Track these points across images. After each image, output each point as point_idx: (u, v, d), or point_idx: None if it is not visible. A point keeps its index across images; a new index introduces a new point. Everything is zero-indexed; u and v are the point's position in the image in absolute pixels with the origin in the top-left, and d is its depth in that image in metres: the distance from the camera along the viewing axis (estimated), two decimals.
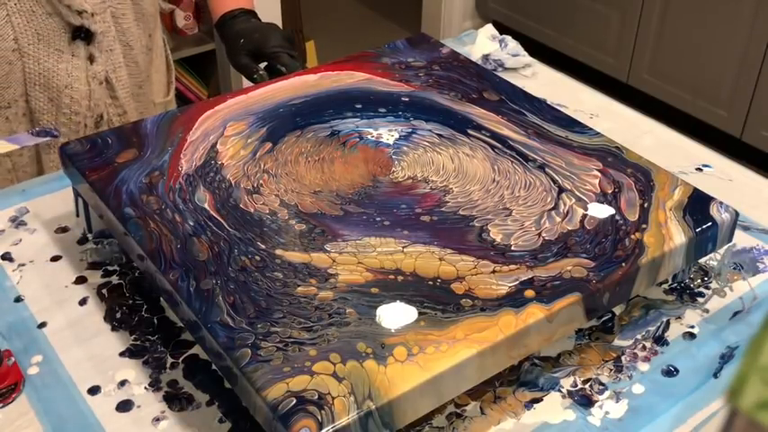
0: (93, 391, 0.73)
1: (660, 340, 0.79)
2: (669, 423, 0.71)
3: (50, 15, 1.02)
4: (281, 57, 1.09)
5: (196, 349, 0.77)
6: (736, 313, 0.83)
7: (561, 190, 0.81)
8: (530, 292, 0.69)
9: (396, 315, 0.67)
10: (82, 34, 1.04)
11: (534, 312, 0.67)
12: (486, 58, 1.23)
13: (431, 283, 0.70)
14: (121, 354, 0.77)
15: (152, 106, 1.20)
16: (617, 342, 0.79)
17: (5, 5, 0.99)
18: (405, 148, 0.88)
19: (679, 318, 0.82)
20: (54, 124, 1.09)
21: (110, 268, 0.87)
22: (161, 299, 0.82)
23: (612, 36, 2.75)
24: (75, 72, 1.06)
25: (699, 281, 0.87)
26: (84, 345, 0.77)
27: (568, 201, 0.80)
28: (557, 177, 0.83)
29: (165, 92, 1.26)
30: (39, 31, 1.02)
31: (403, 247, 0.74)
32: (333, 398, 0.60)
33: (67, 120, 1.09)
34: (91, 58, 1.07)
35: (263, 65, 1.11)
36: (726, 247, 0.86)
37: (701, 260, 0.87)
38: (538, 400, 0.73)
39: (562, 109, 1.01)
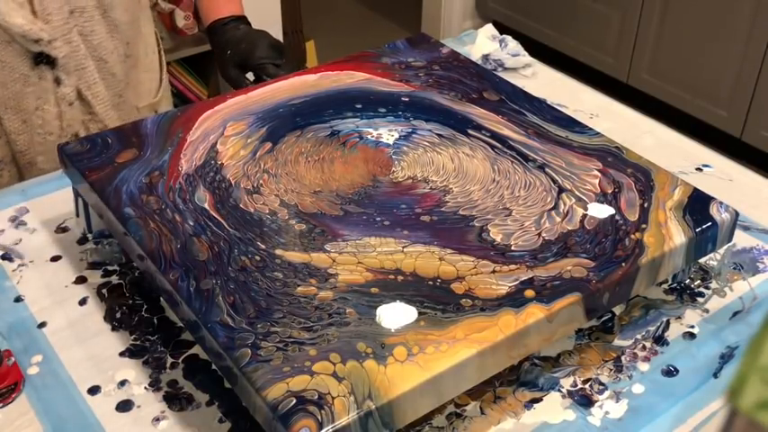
0: (93, 391, 0.73)
1: (660, 340, 0.79)
2: (669, 423, 0.71)
3: (9, 43, 1.00)
4: (266, 68, 1.09)
5: (196, 349, 0.77)
6: (736, 313, 0.83)
7: (561, 190, 0.81)
8: (530, 292, 0.69)
9: (396, 315, 0.67)
10: (44, 59, 1.02)
11: (534, 312, 0.67)
12: (486, 58, 1.23)
13: (431, 283, 0.70)
14: (121, 354, 0.77)
15: (135, 112, 1.17)
16: (617, 342, 0.79)
17: None
18: (405, 148, 0.88)
19: (679, 318, 0.82)
20: (30, 144, 1.07)
21: (110, 268, 0.87)
22: (161, 299, 0.82)
23: (612, 36, 2.75)
24: (44, 95, 1.05)
25: (699, 281, 0.87)
26: (84, 345, 0.77)
27: (568, 201, 0.80)
28: (557, 177, 0.83)
29: (155, 93, 1.23)
30: (1, 59, 1.00)
31: (403, 247, 0.74)
32: (333, 398, 0.60)
33: (42, 140, 1.08)
34: (57, 81, 1.05)
35: (251, 75, 1.11)
36: (726, 247, 0.86)
37: (701, 260, 0.87)
38: (538, 400, 0.73)
39: (562, 109, 1.01)
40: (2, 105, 1.04)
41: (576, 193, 0.81)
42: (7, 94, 1.03)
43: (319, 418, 0.59)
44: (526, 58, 1.24)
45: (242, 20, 1.18)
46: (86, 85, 1.08)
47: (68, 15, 1.03)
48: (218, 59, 1.16)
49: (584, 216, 0.78)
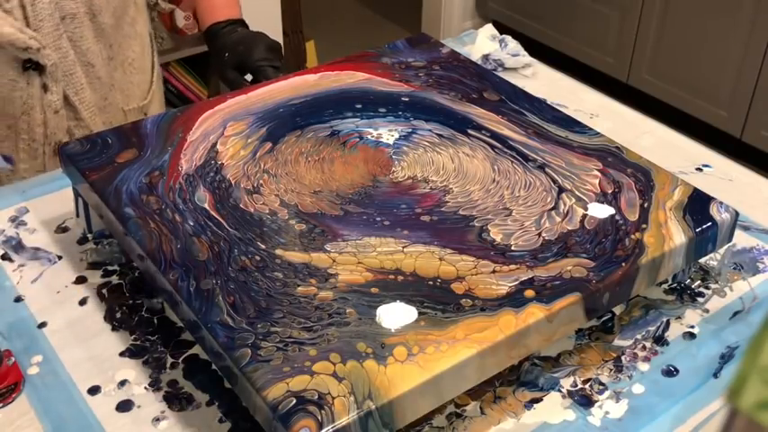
0: (93, 391, 0.73)
1: (660, 340, 0.79)
2: (669, 423, 0.71)
3: None
4: (264, 70, 1.09)
5: (196, 349, 0.77)
6: (736, 313, 0.83)
7: (561, 190, 0.81)
8: (530, 292, 0.69)
9: (396, 315, 0.67)
10: (32, 65, 1.02)
11: (534, 312, 0.67)
12: (486, 58, 1.23)
13: (431, 283, 0.70)
14: (121, 354, 0.77)
15: (121, 114, 1.16)
16: (617, 342, 0.79)
17: None
18: (405, 148, 0.88)
19: (679, 318, 0.82)
20: (15, 150, 1.07)
21: (110, 268, 0.87)
22: (159, 298, 0.82)
23: (612, 36, 2.75)
24: (30, 100, 1.04)
25: (699, 281, 0.87)
26: (84, 345, 0.77)
27: (568, 201, 0.80)
28: (557, 177, 0.83)
29: (145, 94, 1.21)
30: None
31: (403, 247, 0.74)
32: (333, 398, 0.60)
33: (27, 146, 1.07)
34: (45, 88, 1.04)
35: (249, 77, 1.11)
36: (726, 247, 0.86)
37: (701, 260, 0.87)
38: (538, 400, 0.73)
39: (562, 109, 1.01)
40: None
41: (576, 193, 0.81)
42: None
43: (319, 418, 0.59)
44: (526, 58, 1.24)
45: (239, 23, 1.18)
46: (74, 91, 1.07)
47: (60, 22, 1.02)
48: (215, 63, 1.16)
49: (585, 216, 0.78)
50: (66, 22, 1.04)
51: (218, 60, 1.15)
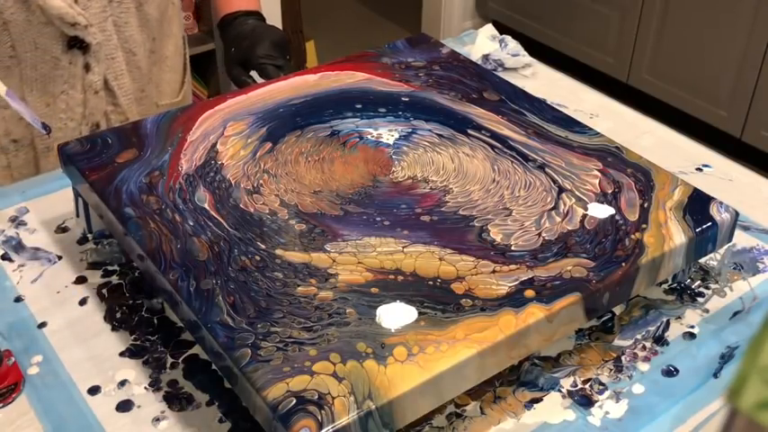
0: (93, 391, 0.73)
1: (660, 340, 0.79)
2: (669, 423, 0.71)
3: (45, 25, 1.01)
4: (265, 68, 1.09)
5: (196, 349, 0.77)
6: (736, 313, 0.83)
7: (561, 190, 0.81)
8: (530, 292, 0.69)
9: (396, 315, 0.67)
10: (77, 44, 1.03)
11: (534, 312, 0.67)
12: (486, 58, 1.23)
13: (431, 283, 0.70)
14: (121, 354, 0.77)
15: (155, 108, 1.19)
16: (617, 342, 0.79)
17: (1, 15, 0.99)
18: (405, 148, 0.88)
19: (679, 318, 0.82)
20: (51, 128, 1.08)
21: (110, 268, 0.87)
22: (156, 299, 0.82)
23: (612, 36, 2.75)
24: (72, 80, 1.06)
25: (699, 281, 0.87)
26: (84, 345, 0.77)
27: (568, 201, 0.80)
28: (557, 177, 0.83)
29: (177, 93, 1.24)
30: (35, 40, 1.01)
31: (403, 247, 0.74)
32: (333, 398, 0.60)
33: (63, 125, 1.08)
34: (87, 67, 1.06)
35: (254, 73, 1.11)
36: (726, 247, 0.86)
37: (701, 260, 0.87)
38: (538, 400, 0.73)
39: (562, 109, 1.01)
40: (28, 86, 1.05)
41: (576, 193, 0.81)
42: (35, 75, 1.04)
43: (319, 418, 0.59)
44: (526, 58, 1.24)
45: (253, 15, 1.17)
46: (113, 76, 1.09)
47: (107, 4, 1.05)
48: (224, 57, 1.16)
49: (584, 216, 0.78)
50: (113, 5, 1.06)
51: (225, 55, 1.14)
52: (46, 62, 1.04)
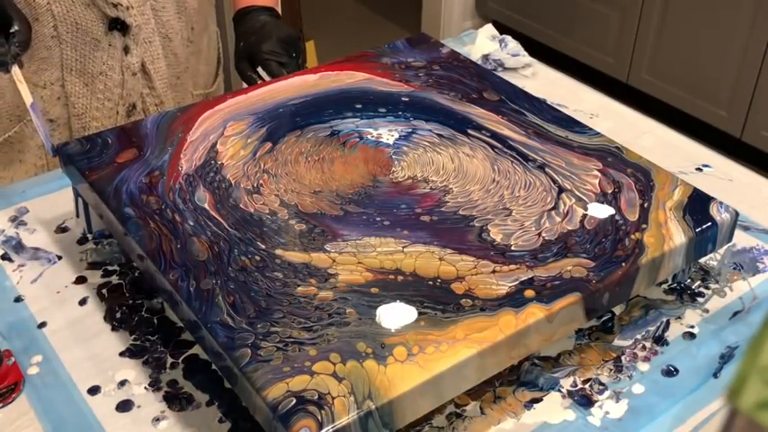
0: (93, 391, 0.73)
1: (660, 340, 0.79)
2: (669, 423, 0.71)
3: (88, 6, 1.03)
4: (269, 65, 1.09)
5: (196, 349, 0.77)
6: (736, 313, 0.83)
7: (561, 190, 0.81)
8: (530, 292, 0.69)
9: (396, 315, 0.67)
10: (118, 26, 1.06)
11: (534, 312, 0.67)
12: (486, 58, 1.23)
13: (431, 283, 0.70)
14: (121, 354, 0.77)
15: (190, 97, 1.21)
16: (617, 342, 0.79)
17: None
18: (405, 148, 0.88)
19: (679, 318, 0.82)
20: (88, 108, 1.10)
21: (110, 268, 0.87)
22: (158, 298, 0.82)
23: (612, 36, 2.75)
24: (110, 61, 1.08)
25: (699, 281, 0.87)
26: (84, 345, 0.77)
27: (568, 201, 0.80)
28: (557, 177, 0.83)
29: (211, 83, 1.27)
30: (77, 20, 1.04)
31: (403, 247, 0.74)
32: (333, 398, 0.60)
33: (101, 105, 1.10)
34: (126, 49, 1.08)
35: (260, 70, 1.11)
36: (726, 247, 0.86)
37: (701, 260, 0.87)
38: (538, 400, 0.73)
39: (562, 109, 1.01)
40: (67, 67, 1.07)
41: (576, 193, 0.81)
42: (74, 56, 1.06)
43: (319, 418, 0.59)
44: (526, 58, 1.24)
45: (267, 10, 1.17)
46: (150, 59, 1.11)
47: None
48: (234, 51, 1.16)
49: (584, 216, 0.78)
50: None
51: (235, 49, 1.15)
52: (87, 43, 1.06)
